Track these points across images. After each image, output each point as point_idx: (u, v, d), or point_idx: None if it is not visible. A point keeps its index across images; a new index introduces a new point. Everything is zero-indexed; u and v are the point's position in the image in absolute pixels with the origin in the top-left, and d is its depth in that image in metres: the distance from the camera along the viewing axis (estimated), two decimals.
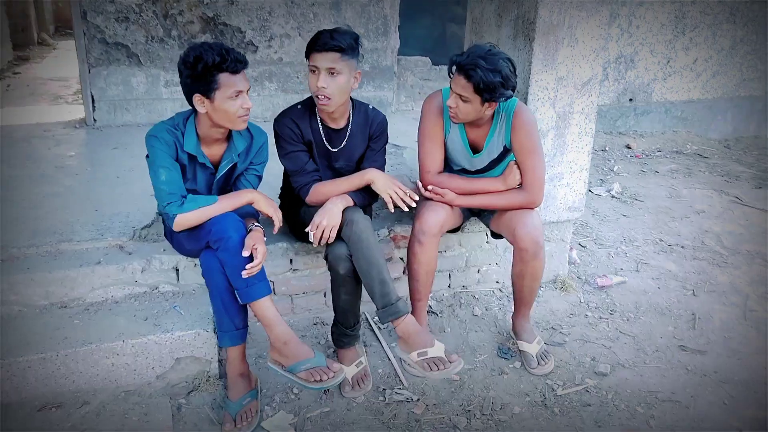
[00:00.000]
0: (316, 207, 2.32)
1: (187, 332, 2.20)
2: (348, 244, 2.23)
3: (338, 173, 2.46)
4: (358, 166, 2.47)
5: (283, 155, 2.38)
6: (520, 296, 2.56)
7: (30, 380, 2.04)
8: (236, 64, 2.01)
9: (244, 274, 2.03)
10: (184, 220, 2.10)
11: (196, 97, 2.03)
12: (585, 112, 2.84)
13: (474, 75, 2.15)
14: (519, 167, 2.42)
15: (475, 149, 2.50)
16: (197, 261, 2.42)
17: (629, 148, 5.61)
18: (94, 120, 4.30)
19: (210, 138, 2.17)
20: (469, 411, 2.26)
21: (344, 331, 2.40)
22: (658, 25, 5.56)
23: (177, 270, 2.45)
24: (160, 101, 4.40)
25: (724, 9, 5.72)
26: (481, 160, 2.51)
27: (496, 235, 2.70)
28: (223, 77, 1.99)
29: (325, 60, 2.17)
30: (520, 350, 2.57)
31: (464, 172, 2.58)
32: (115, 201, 2.90)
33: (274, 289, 2.58)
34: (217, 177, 2.24)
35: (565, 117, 2.81)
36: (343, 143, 2.42)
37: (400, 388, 2.36)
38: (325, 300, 2.74)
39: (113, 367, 2.14)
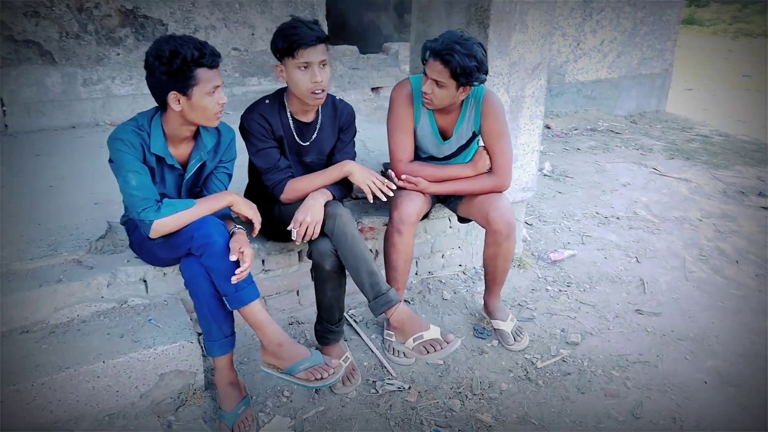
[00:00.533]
0: (293, 204, 2.27)
1: (170, 345, 2.09)
2: (332, 238, 2.20)
3: (309, 168, 2.41)
4: (328, 160, 2.44)
5: (253, 153, 2.30)
6: (493, 277, 2.64)
7: (3, 416, 1.87)
8: (213, 57, 1.91)
9: (234, 279, 1.96)
10: (161, 226, 1.98)
11: (172, 95, 1.91)
12: (535, 96, 2.95)
13: (451, 60, 2.18)
14: (488, 152, 2.49)
15: (445, 136, 2.53)
16: (167, 270, 2.33)
17: (549, 128, 5.88)
18: (6, 126, 3.94)
19: (178, 137, 2.06)
20: (459, 393, 2.32)
21: (329, 327, 2.38)
22: (568, 9, 5.84)
23: (145, 281, 2.31)
24: (79, 102, 4.10)
25: None
26: (450, 147, 2.55)
27: (463, 220, 2.75)
28: (201, 72, 1.89)
29: (316, 53, 2.12)
30: (495, 329, 2.65)
31: (432, 159, 2.61)
32: (57, 213, 2.68)
33: None
34: (187, 177, 2.13)
35: (517, 101, 2.90)
36: (314, 136, 2.37)
37: (389, 379, 2.37)
38: (299, 299, 2.69)
39: (94, 390, 1.99)
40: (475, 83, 2.27)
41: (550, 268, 3.22)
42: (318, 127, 2.37)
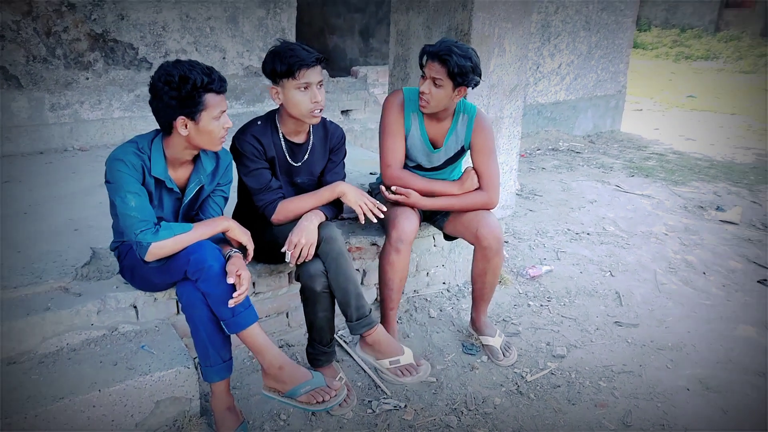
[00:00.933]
0: (286, 225, 2.28)
1: (166, 372, 2.05)
2: (325, 260, 2.22)
3: (300, 188, 2.43)
4: (319, 181, 2.46)
5: (245, 173, 2.31)
6: (481, 294, 2.69)
7: None
8: (221, 83, 1.93)
9: (231, 303, 1.95)
10: (158, 249, 1.95)
11: (180, 120, 1.91)
12: (513, 117, 3.05)
13: (449, 60, 2.29)
14: (477, 169, 2.56)
15: (434, 145, 2.59)
16: (157, 296, 2.30)
17: None
18: None
19: (178, 161, 2.05)
20: (455, 409, 2.34)
21: (322, 349, 2.38)
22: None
23: (135, 307, 2.27)
24: (46, 127, 4.00)
25: (580, 18, 6.36)
26: (439, 157, 2.61)
27: (449, 238, 2.80)
28: (209, 97, 1.90)
29: (315, 74, 2.16)
30: (484, 345, 2.70)
31: (420, 169, 2.66)
32: (35, 240, 2.61)
33: None
34: (185, 201, 2.12)
35: (497, 122, 2.99)
36: (305, 157, 2.39)
37: (385, 398, 2.38)
38: (288, 321, 2.68)
39: (89, 421, 1.93)
40: (470, 85, 2.36)
41: (530, 283, 3.30)
42: (309, 148, 2.39)
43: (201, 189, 2.15)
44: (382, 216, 2.39)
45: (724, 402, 2.40)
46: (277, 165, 2.35)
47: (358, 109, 5.52)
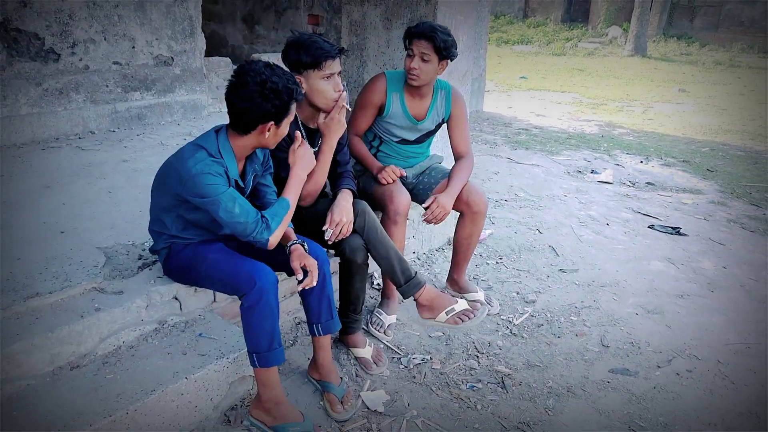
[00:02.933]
0: (322, 206, 2.43)
1: (239, 353, 2.14)
2: (363, 234, 2.42)
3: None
4: (331, 163, 2.63)
5: (277, 162, 2.41)
6: (465, 256, 3.05)
7: None
8: (301, 92, 2.05)
9: (299, 287, 2.12)
10: (275, 238, 2.08)
11: (270, 125, 1.99)
12: (464, 98, 3.42)
13: (436, 36, 2.61)
14: (457, 136, 2.93)
15: (417, 120, 2.89)
16: (196, 288, 2.32)
17: None
18: None
19: (242, 157, 2.12)
20: (470, 354, 2.70)
21: (354, 317, 2.58)
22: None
23: (177, 299, 2.29)
24: None
25: None
26: (424, 127, 2.91)
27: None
28: (293, 106, 2.02)
29: (337, 65, 2.32)
30: (469, 300, 3.06)
31: (404, 143, 2.93)
32: (28, 246, 2.46)
33: None
34: (248, 191, 2.19)
35: None
36: (320, 142, 2.55)
37: (410, 354, 2.65)
38: (300, 299, 2.81)
39: (177, 409, 1.98)
40: (452, 58, 2.70)
41: (480, 246, 3.73)
42: (321, 134, 2.55)
43: (254, 177, 2.23)
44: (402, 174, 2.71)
45: (665, 319, 3.03)
46: None
47: None
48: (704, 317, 3.07)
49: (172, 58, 4.63)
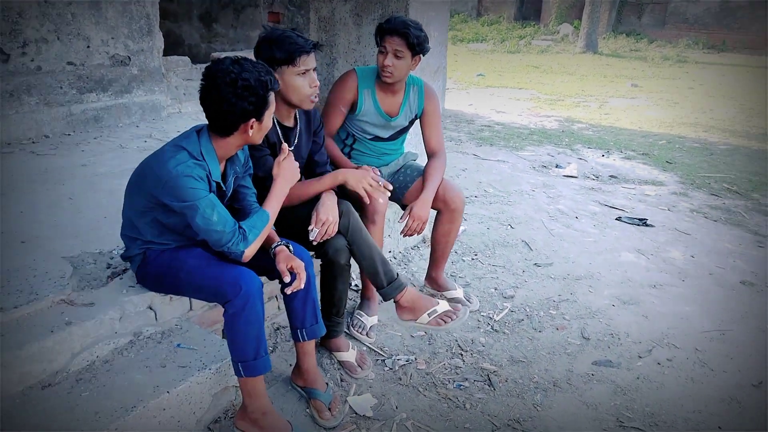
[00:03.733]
0: (306, 206, 2.35)
1: (222, 363, 2.04)
2: (347, 234, 2.36)
3: None
4: (308, 162, 2.56)
5: (252, 162, 2.32)
6: (443, 253, 3.02)
7: None
8: (277, 81, 1.96)
9: (289, 290, 2.04)
10: (251, 251, 1.98)
11: (252, 122, 1.90)
12: (437, 94, 3.39)
13: (409, 33, 2.57)
14: (430, 133, 2.90)
15: (390, 116, 2.84)
16: (172, 295, 2.21)
17: None
18: None
19: (225, 158, 2.03)
20: (455, 352, 2.67)
21: (337, 320, 2.52)
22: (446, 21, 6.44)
23: (152, 309, 2.18)
24: None
25: None
26: (397, 124, 2.86)
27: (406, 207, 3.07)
28: (272, 96, 1.93)
29: (311, 60, 2.26)
30: (448, 298, 3.04)
31: (377, 140, 2.88)
32: None
33: None
34: (229, 194, 2.10)
35: None
36: (295, 141, 2.48)
37: (394, 356, 2.61)
38: (278, 304, 2.73)
39: (160, 425, 1.88)
40: (425, 53, 2.66)
41: (454, 243, 3.70)
42: (298, 131, 2.48)
43: (234, 179, 2.14)
44: (389, 190, 2.55)
45: (640, 310, 3.07)
46: (278, 150, 2.40)
47: None
48: (678, 306, 3.12)
49: (129, 58, 4.45)
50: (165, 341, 2.14)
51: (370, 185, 2.49)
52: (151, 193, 1.93)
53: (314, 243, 2.31)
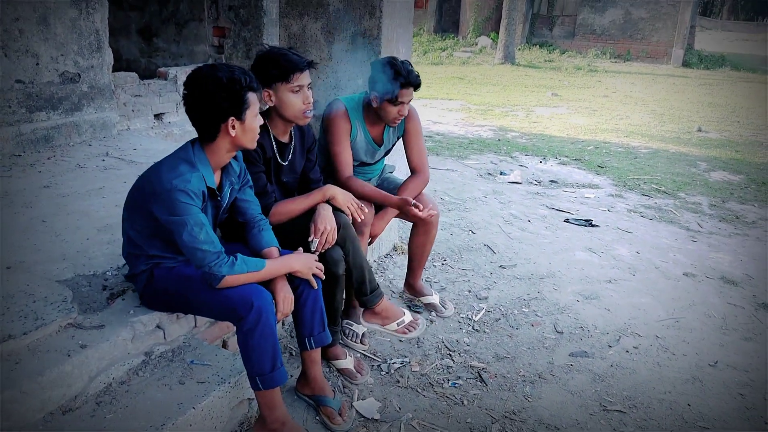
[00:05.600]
0: (304, 217, 2.42)
1: (239, 376, 2.08)
2: (343, 245, 2.45)
3: (285, 187, 2.57)
4: (301, 178, 2.63)
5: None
6: (420, 262, 3.16)
7: None
8: (258, 83, 2.01)
9: (279, 316, 2.09)
10: (231, 281, 1.98)
11: (231, 121, 1.94)
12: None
13: (419, 83, 2.69)
14: (413, 151, 3.00)
15: (377, 144, 2.95)
16: (179, 313, 2.23)
17: None
18: None
19: (219, 167, 2.07)
20: (443, 353, 2.81)
21: (334, 329, 2.59)
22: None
23: (160, 328, 2.18)
24: None
25: None
26: (381, 152, 2.99)
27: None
28: (251, 96, 1.96)
29: (306, 78, 2.33)
30: (426, 304, 3.18)
31: (363, 165, 2.99)
32: None
33: None
34: (224, 206, 2.14)
35: None
36: (290, 157, 2.54)
37: (388, 360, 2.71)
38: None
39: None
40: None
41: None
42: (292, 147, 2.55)
43: (231, 191, 2.18)
44: (365, 215, 2.66)
45: (602, 303, 3.33)
46: (272, 165, 2.47)
47: (170, 111, 5.32)
48: (634, 298, 3.40)
49: (79, 75, 4.33)
50: (177, 359, 2.15)
51: (353, 205, 2.55)
52: (149, 209, 1.96)
53: (316, 253, 2.38)
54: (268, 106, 2.39)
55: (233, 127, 1.96)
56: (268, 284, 2.10)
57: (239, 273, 1.97)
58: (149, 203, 1.95)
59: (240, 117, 1.96)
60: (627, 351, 2.89)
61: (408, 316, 2.69)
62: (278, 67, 2.30)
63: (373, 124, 2.88)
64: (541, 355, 2.84)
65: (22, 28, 3.91)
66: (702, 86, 13.94)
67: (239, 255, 2.00)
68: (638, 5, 19.11)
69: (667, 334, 3.06)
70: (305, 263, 2.18)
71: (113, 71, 5.03)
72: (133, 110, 4.98)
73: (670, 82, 14.40)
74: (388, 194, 2.85)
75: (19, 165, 3.79)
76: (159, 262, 2.09)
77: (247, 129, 1.99)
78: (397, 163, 3.39)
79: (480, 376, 2.65)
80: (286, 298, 2.11)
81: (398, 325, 2.64)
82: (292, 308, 2.16)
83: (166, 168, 1.95)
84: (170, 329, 2.20)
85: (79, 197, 3.27)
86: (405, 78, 2.65)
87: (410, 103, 2.78)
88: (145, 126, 5.09)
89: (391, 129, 2.95)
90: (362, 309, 2.68)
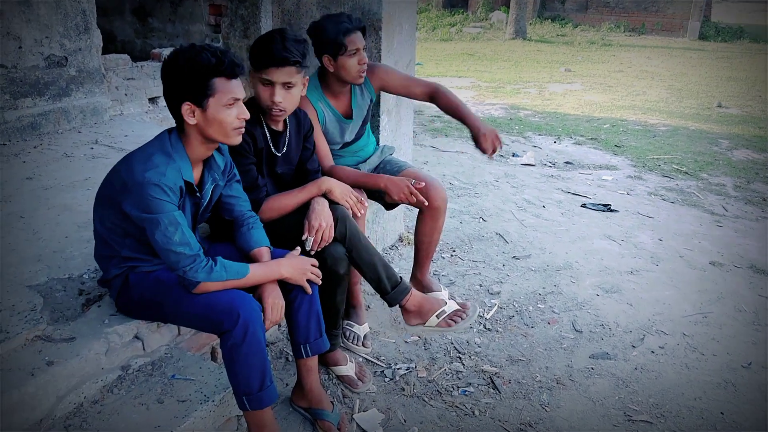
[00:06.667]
0: (298, 214, 2.20)
1: (224, 393, 1.88)
2: (344, 241, 2.23)
3: (280, 179, 2.35)
4: (297, 169, 2.40)
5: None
6: (427, 253, 2.92)
7: None
8: (233, 67, 1.75)
9: (268, 324, 1.88)
10: (208, 287, 1.77)
11: (185, 107, 1.73)
12: None
13: (363, 25, 2.53)
14: (406, 87, 2.78)
15: (347, 117, 2.71)
16: (159, 323, 2.02)
17: None
18: None
19: (198, 160, 1.86)
20: (452, 356, 2.60)
21: (335, 333, 2.39)
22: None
23: (138, 338, 1.98)
24: None
25: None
26: (355, 125, 2.73)
27: (390, 206, 2.95)
28: (219, 82, 1.73)
29: (281, 75, 2.08)
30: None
31: (347, 146, 2.75)
32: None
33: None
34: (204, 203, 1.92)
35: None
36: (285, 147, 2.32)
37: (393, 365, 2.51)
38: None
39: None
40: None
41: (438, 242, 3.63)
42: (288, 137, 2.32)
43: (214, 188, 1.97)
44: (365, 209, 2.42)
45: (624, 297, 3.10)
46: (264, 156, 2.24)
47: None
48: (658, 291, 3.17)
49: (66, 58, 4.10)
50: (157, 373, 1.95)
51: (351, 198, 2.32)
52: (120, 205, 1.75)
53: (312, 252, 2.16)
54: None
55: (192, 114, 1.75)
56: (256, 288, 1.90)
57: (217, 279, 1.76)
58: (120, 199, 1.74)
59: (199, 103, 1.74)
60: (652, 351, 2.67)
61: (451, 304, 2.36)
62: (256, 53, 2.09)
63: (337, 95, 2.64)
64: (558, 357, 2.62)
65: (2, 9, 3.70)
66: (720, 59, 13.46)
67: (219, 259, 1.79)
68: None
69: (695, 332, 2.82)
70: (297, 267, 1.96)
71: (107, 53, 4.81)
72: (126, 94, 4.76)
73: (687, 56, 13.92)
74: (373, 175, 2.61)
75: (2, 155, 3.59)
76: (134, 266, 1.88)
77: (211, 120, 1.76)
78: (396, 143, 3.15)
79: (492, 382, 2.44)
80: (275, 304, 1.90)
81: (438, 318, 2.32)
82: (282, 315, 1.95)
83: (138, 159, 1.75)
84: (150, 339, 2.00)
85: (63, 189, 3.06)
86: (347, 23, 2.45)
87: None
88: (139, 110, 4.88)
89: (358, 93, 2.70)
90: (400, 309, 2.39)
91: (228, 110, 1.77)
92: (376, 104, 3.10)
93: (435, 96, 2.78)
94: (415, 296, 2.35)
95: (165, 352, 2.04)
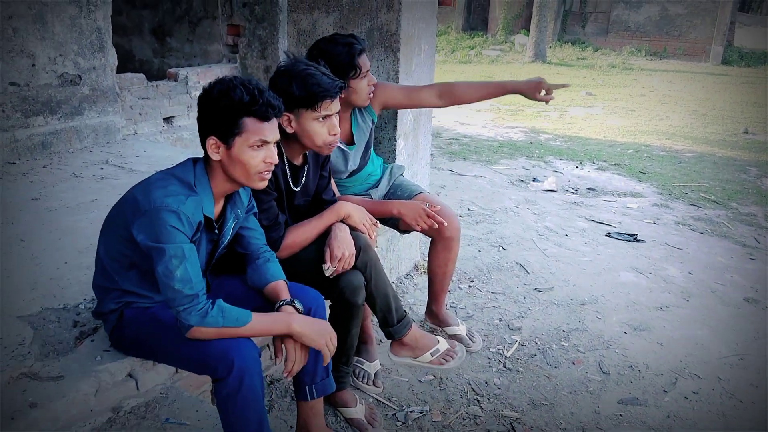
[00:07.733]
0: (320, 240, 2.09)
1: None
2: (365, 270, 2.10)
3: (296, 210, 2.23)
4: (314, 199, 2.28)
5: (258, 209, 2.01)
6: (442, 285, 2.78)
7: None
8: (268, 108, 1.63)
9: (286, 374, 1.76)
10: (200, 333, 1.61)
11: (211, 140, 1.62)
12: (427, 112, 3.17)
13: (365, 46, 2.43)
14: (411, 100, 2.68)
15: (348, 143, 2.61)
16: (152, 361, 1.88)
17: None
18: None
19: (221, 195, 1.73)
20: (469, 398, 2.42)
21: (345, 369, 2.25)
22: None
23: (132, 377, 1.84)
24: None
25: None
26: (357, 151, 2.62)
27: (405, 231, 2.81)
28: (249, 122, 1.62)
29: (335, 104, 1.99)
30: (450, 335, 2.78)
31: (353, 175, 2.64)
32: None
33: None
34: (224, 241, 1.79)
35: (417, 118, 3.09)
36: (303, 180, 2.19)
37: (405, 408, 2.34)
38: (270, 354, 2.42)
39: None
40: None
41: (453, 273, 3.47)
42: (306, 169, 2.20)
43: (234, 225, 1.84)
44: (374, 234, 2.31)
45: (654, 336, 2.90)
46: (284, 191, 2.12)
47: (181, 115, 5.03)
48: (690, 330, 2.97)
49: (80, 77, 4.05)
50: (150, 415, 1.81)
51: (367, 222, 2.23)
52: (129, 232, 1.62)
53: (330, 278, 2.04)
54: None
55: (217, 149, 1.63)
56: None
57: (213, 326, 1.60)
58: (131, 224, 1.61)
59: (224, 140, 1.62)
60: (685, 397, 2.47)
61: (443, 344, 2.40)
62: (305, 90, 1.94)
63: (341, 123, 2.50)
64: (584, 402, 2.43)
65: (17, 26, 3.65)
66: (744, 84, 13.21)
67: (218, 303, 1.63)
68: (675, 1, 18.37)
69: (731, 375, 2.62)
70: (316, 331, 1.76)
71: (126, 72, 4.77)
72: (140, 113, 4.69)
73: (710, 81, 13.69)
74: (384, 202, 2.50)
75: (11, 174, 3.52)
76: (131, 302, 1.75)
77: (235, 159, 1.64)
78: (413, 168, 3.02)
79: (513, 428, 2.26)
80: (297, 357, 1.75)
81: (432, 355, 2.36)
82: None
83: (158, 184, 1.62)
84: (144, 378, 1.87)
85: (68, 212, 2.97)
86: (357, 44, 2.36)
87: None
88: (154, 130, 4.81)
89: (359, 116, 2.60)
90: (389, 341, 2.37)
91: (254, 152, 1.65)
92: (392, 128, 2.98)
93: (449, 90, 2.69)
94: (414, 331, 2.32)
95: (160, 392, 1.90)
